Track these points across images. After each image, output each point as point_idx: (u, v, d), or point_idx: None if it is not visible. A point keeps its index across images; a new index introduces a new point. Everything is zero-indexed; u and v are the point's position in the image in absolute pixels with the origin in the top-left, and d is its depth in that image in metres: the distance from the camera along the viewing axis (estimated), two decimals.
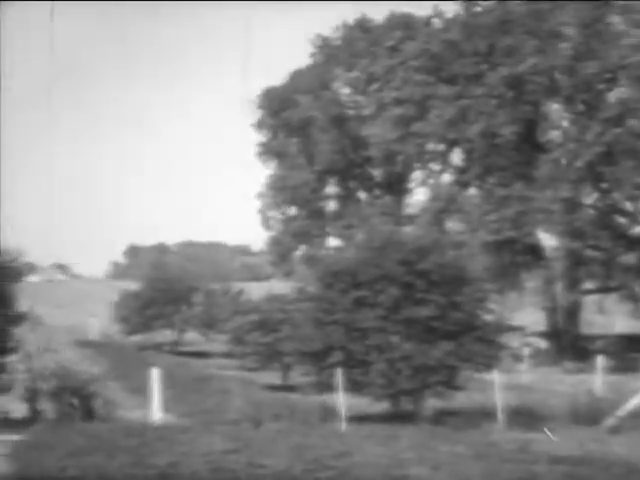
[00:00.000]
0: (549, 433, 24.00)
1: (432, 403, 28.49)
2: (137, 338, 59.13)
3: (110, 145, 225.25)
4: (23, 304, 29.28)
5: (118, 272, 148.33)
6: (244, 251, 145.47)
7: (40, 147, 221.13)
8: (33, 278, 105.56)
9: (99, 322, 61.18)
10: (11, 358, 28.28)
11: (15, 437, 22.24)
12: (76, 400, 26.68)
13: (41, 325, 37.27)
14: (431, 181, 60.49)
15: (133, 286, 62.66)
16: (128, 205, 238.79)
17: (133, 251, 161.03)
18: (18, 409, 27.14)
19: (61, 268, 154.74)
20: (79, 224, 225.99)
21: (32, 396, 26.98)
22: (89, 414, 26.49)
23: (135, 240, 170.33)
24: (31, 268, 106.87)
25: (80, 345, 45.48)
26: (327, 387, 27.79)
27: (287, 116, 63.59)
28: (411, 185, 63.13)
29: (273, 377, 41.74)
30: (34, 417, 26.33)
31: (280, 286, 51.09)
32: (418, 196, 61.66)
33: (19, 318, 28.54)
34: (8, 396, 27.77)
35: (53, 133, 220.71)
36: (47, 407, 26.69)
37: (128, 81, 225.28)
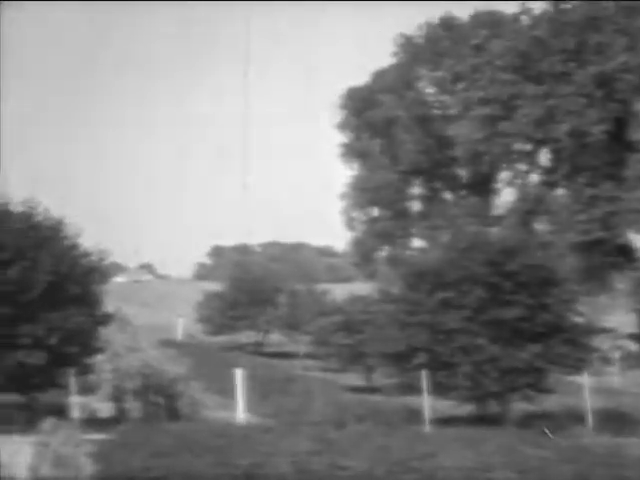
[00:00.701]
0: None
1: (519, 406, 28.04)
2: (221, 339, 59.38)
3: (196, 145, 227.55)
4: (110, 304, 29.62)
5: (203, 272, 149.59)
6: (327, 252, 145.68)
7: (128, 148, 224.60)
8: (120, 278, 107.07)
9: (184, 322, 61.65)
10: (98, 358, 28.63)
11: (101, 436, 22.48)
12: (161, 399, 26.89)
13: (127, 325, 37.63)
14: (518, 181, 59.58)
15: (217, 287, 62.96)
16: (214, 205, 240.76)
17: (217, 252, 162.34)
18: (105, 408, 27.44)
19: (147, 268, 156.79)
20: (166, 224, 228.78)
21: (118, 395, 27.26)
22: (174, 413, 26.67)
23: (220, 240, 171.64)
24: (118, 269, 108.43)
25: (165, 345, 45.73)
26: (411, 389, 27.56)
27: (370, 116, 63.27)
28: (497, 185, 62.26)
29: (356, 378, 41.55)
30: (120, 416, 26.59)
31: (363, 287, 50.85)
32: (505, 197, 60.80)
33: (106, 318, 28.88)
34: (95, 395, 28.12)
35: (139, 133, 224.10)
36: (133, 406, 26.92)
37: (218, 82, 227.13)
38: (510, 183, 60.78)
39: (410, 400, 27.89)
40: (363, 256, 64.96)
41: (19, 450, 21.54)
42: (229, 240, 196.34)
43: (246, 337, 59.71)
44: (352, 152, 65.37)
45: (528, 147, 58.34)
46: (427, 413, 26.05)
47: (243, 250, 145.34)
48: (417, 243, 63.65)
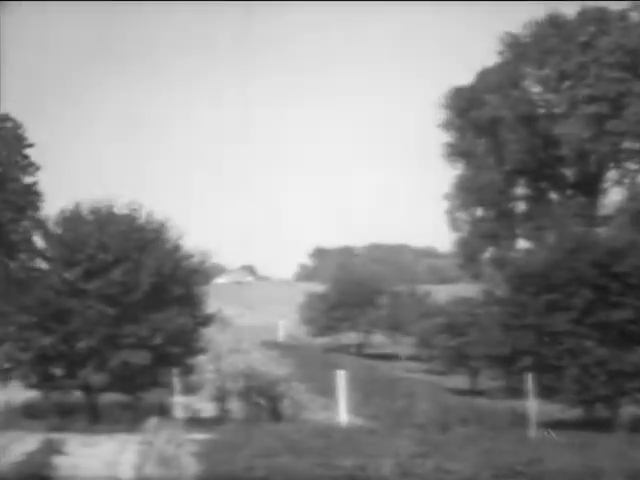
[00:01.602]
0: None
1: (629, 410, 27.25)
2: (323, 340, 59.48)
3: (297, 146, 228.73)
4: (212, 305, 29.76)
5: (304, 274, 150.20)
6: (430, 253, 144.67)
7: (230, 149, 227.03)
8: (222, 280, 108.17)
9: (286, 324, 61.91)
10: (201, 358, 28.82)
11: (204, 436, 22.60)
12: (263, 400, 26.91)
13: (229, 326, 37.89)
14: (627, 180, 58.13)
15: (319, 288, 63.08)
16: (316, 206, 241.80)
17: (319, 253, 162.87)
18: (207, 408, 27.59)
19: (249, 270, 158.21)
20: (268, 226, 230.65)
21: (221, 396, 27.37)
22: (276, 415, 26.67)
23: (322, 242, 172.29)
24: (220, 270, 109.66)
25: (267, 346, 45.96)
26: (516, 392, 27.02)
27: (475, 116, 62.48)
28: (605, 185, 60.82)
29: (460, 381, 41.02)
30: (223, 416, 26.69)
31: (467, 289, 50.23)
32: (613, 196, 59.33)
33: (208, 319, 29.02)
34: (198, 395, 28.31)
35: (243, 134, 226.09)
36: (235, 407, 27.01)
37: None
38: (618, 182, 59.27)
39: (516, 403, 27.32)
40: (467, 257, 64.10)
41: (124, 449, 21.84)
42: (331, 242, 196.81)
43: (348, 338, 59.63)
44: (456, 152, 64.61)
45: (637, 145, 56.84)
46: (533, 417, 25.46)
47: (345, 252, 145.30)
48: (522, 244, 62.56)
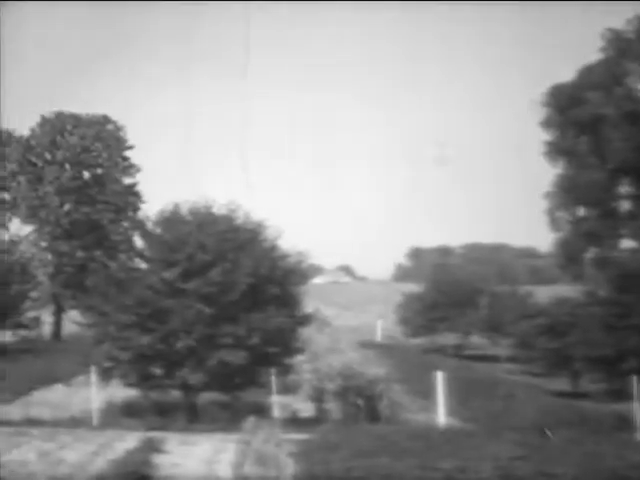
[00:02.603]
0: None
1: None
2: (420, 340, 59.12)
3: (393, 144, 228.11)
4: (309, 305, 29.75)
5: (401, 274, 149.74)
6: (530, 253, 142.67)
7: (326, 148, 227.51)
8: (319, 280, 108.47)
9: (383, 324, 61.74)
10: (298, 358, 28.83)
11: (302, 436, 22.56)
12: (361, 401, 26.74)
13: (327, 326, 37.94)
14: None
15: (416, 288, 62.75)
16: (414, 206, 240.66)
17: (416, 253, 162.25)
18: (305, 408, 27.56)
19: (346, 270, 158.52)
20: (365, 226, 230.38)
21: (319, 396, 27.31)
22: (374, 415, 26.47)
23: (420, 241, 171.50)
24: (317, 270, 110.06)
25: (364, 346, 45.99)
26: (621, 395, 26.31)
27: (576, 113, 61.32)
28: None
29: (561, 383, 40.21)
30: (320, 416, 26.61)
31: (568, 289, 49.30)
32: None
33: (305, 319, 29.01)
34: (295, 395, 28.32)
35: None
36: (333, 407, 26.92)
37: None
38: None
39: (620, 407, 26.61)
40: (568, 257, 62.86)
41: (222, 448, 21.95)
42: (428, 241, 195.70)
43: (446, 339, 59.13)
44: (557, 150, 63.41)
45: None
46: (639, 420, 24.76)
47: (443, 251, 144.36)
48: (626, 244, 61.15)
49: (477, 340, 59.04)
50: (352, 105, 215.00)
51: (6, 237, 73.13)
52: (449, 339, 59.04)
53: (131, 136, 76.22)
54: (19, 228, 74.19)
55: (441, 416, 25.80)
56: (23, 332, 60.21)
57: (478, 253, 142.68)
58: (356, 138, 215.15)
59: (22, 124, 74.34)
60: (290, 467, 18.61)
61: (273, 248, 28.61)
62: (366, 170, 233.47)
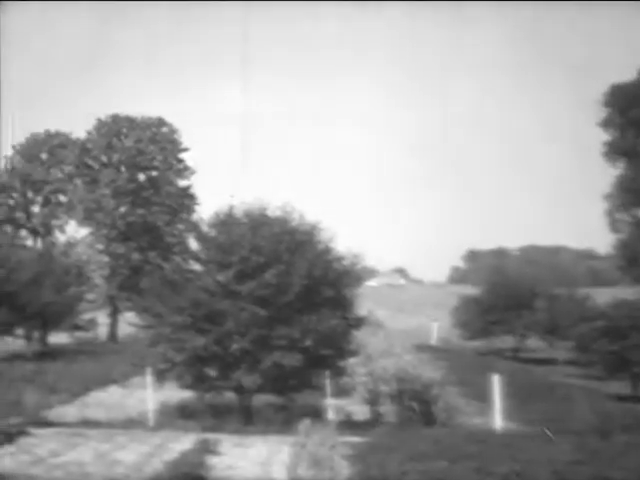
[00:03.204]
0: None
1: None
2: (476, 343, 58.73)
3: (446, 145, 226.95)
4: (363, 308, 29.60)
5: (457, 277, 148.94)
6: (589, 255, 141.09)
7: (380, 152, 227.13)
8: (373, 282, 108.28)
9: (438, 327, 61.42)
10: (352, 361, 28.69)
11: (357, 439, 22.43)
12: (416, 404, 26.54)
13: (381, 329, 37.76)
14: None
15: (472, 291, 62.34)
16: (470, 208, 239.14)
17: (472, 256, 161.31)
18: (360, 411, 27.43)
19: (401, 272, 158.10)
20: (421, 228, 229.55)
21: (373, 399, 27.16)
22: (429, 418, 26.25)
23: (476, 244, 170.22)
24: (372, 272, 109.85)
25: (419, 349, 45.73)
26: None
27: (636, 114, 60.55)
28: None
29: (621, 386, 39.62)
30: (375, 419, 26.47)
31: (628, 292, 48.65)
32: None
33: (359, 321, 28.88)
34: (350, 398, 28.20)
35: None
36: (388, 410, 26.75)
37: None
38: None
39: None
40: (629, 259, 62.14)
41: (277, 450, 21.90)
42: (485, 244, 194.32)
43: (502, 342, 58.66)
44: (617, 151, 62.74)
45: None
46: None
47: (500, 254, 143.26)
48: None
49: (534, 343, 58.47)
50: (407, 105, 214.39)
51: (63, 239, 74.07)
52: (506, 342, 58.57)
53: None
54: (76, 230, 75.12)
55: (498, 419, 25.49)
56: (79, 334, 60.86)
57: (535, 255, 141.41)
58: (411, 139, 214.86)
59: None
60: (345, 470, 18.51)
61: (327, 250, 28.49)
62: (422, 172, 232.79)
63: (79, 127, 77.10)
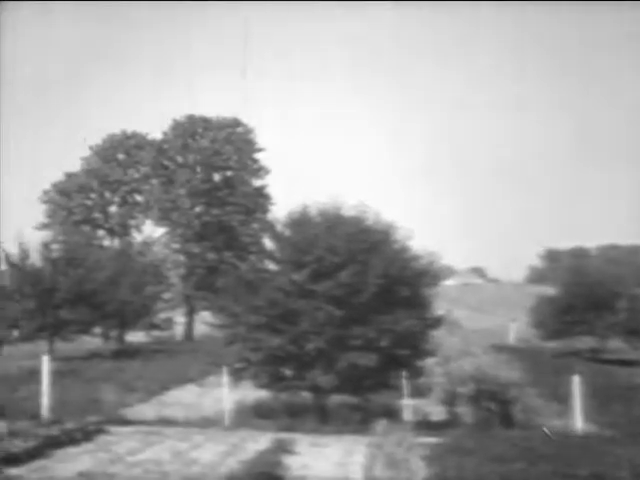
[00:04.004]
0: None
1: None
2: (554, 344, 57.85)
3: (525, 145, 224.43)
4: (440, 308, 29.33)
5: (535, 276, 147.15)
6: None
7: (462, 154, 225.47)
8: (450, 281, 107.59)
9: (516, 327, 60.72)
10: (429, 361, 28.45)
11: (434, 440, 22.21)
12: (494, 405, 26.18)
13: (458, 329, 37.37)
14: None
15: (550, 291, 61.43)
16: (549, 207, 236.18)
17: (550, 255, 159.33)
18: (437, 412, 27.19)
19: (478, 272, 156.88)
20: (499, 227, 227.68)
21: (450, 399, 26.87)
22: (507, 420, 25.87)
23: (554, 243, 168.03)
24: (449, 272, 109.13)
25: (497, 350, 45.21)
26: None
27: None
28: None
29: None
30: (452, 420, 26.19)
31: None
32: None
33: (436, 321, 28.61)
34: (427, 399, 27.96)
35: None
36: (465, 411, 26.45)
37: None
38: None
39: None
40: None
41: (353, 450, 21.80)
42: (564, 243, 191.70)
43: (581, 343, 57.66)
44: None
45: None
46: None
47: (578, 253, 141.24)
48: None
49: (615, 344, 57.38)
50: (485, 104, 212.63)
51: (140, 239, 74.99)
52: (585, 343, 57.57)
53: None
54: (152, 230, 76.04)
55: (577, 421, 25.04)
56: (156, 333, 61.52)
57: (615, 255, 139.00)
58: (489, 137, 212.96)
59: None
60: (422, 471, 18.32)
61: (404, 249, 28.27)
62: (500, 170, 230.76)
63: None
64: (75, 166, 78.67)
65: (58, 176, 78.24)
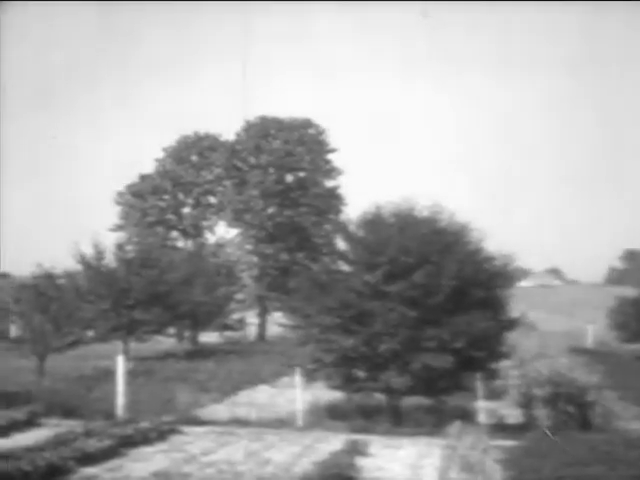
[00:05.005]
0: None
1: None
2: (635, 346, 56.81)
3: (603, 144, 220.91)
4: (516, 309, 28.91)
5: (615, 277, 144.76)
6: None
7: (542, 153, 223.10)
8: (526, 283, 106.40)
9: (595, 329, 59.75)
10: (505, 363, 28.05)
11: (510, 443, 21.88)
12: (572, 408, 25.71)
13: (534, 331, 36.83)
14: None
15: (630, 292, 60.37)
16: (627, 206, 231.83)
17: (630, 255, 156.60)
18: (513, 415, 26.81)
19: (555, 273, 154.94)
20: (577, 227, 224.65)
21: (526, 402, 26.46)
22: (585, 423, 25.37)
23: (635, 244, 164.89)
24: (524, 273, 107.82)
25: (575, 352, 44.57)
26: None
27: None
28: None
29: None
30: (528, 423, 25.78)
31: None
32: None
33: (512, 323, 28.23)
34: (502, 401, 27.58)
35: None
36: (542, 414, 26.01)
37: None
38: None
39: None
40: None
41: (427, 452, 21.56)
42: None
43: None
44: None
45: None
46: None
47: None
48: None
49: None
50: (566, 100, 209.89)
51: (213, 240, 75.55)
52: None
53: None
54: (225, 231, 76.53)
55: None
56: (229, 333, 61.86)
57: None
58: (569, 136, 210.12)
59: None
60: (497, 474, 18.03)
61: (478, 250, 27.93)
62: (578, 170, 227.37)
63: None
64: (149, 168, 79.59)
65: (132, 178, 79.21)
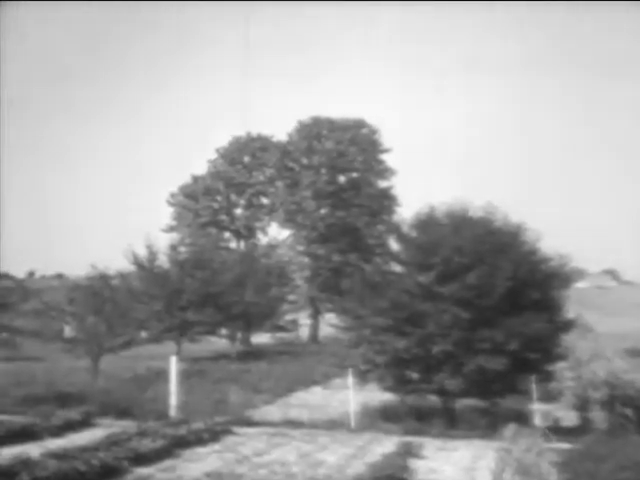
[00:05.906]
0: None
1: None
2: None
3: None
4: (571, 311, 28.55)
5: None
6: None
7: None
8: (581, 284, 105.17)
9: None
10: (560, 365, 27.70)
11: (565, 446, 21.61)
12: (629, 411, 25.32)
13: (590, 332, 36.27)
14: None
15: None
16: None
17: None
18: (568, 417, 26.47)
19: (611, 274, 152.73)
20: (632, 228, 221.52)
21: (582, 404, 26.13)
22: None
23: None
24: (580, 274, 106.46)
25: (632, 354, 43.89)
26: None
27: None
28: None
29: None
30: (584, 426, 25.44)
31: None
32: None
33: (567, 325, 27.86)
34: (557, 403, 27.26)
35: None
36: (598, 417, 25.64)
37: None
38: None
39: None
40: None
41: (481, 455, 21.35)
42: None
43: None
44: None
45: None
46: None
47: None
48: None
49: None
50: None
51: (265, 241, 75.69)
52: None
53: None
54: (277, 232, 76.64)
55: None
56: (281, 334, 61.88)
57: None
58: (625, 134, 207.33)
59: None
60: (553, 478, 17.78)
61: (533, 251, 27.60)
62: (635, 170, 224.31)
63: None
64: (202, 169, 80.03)
65: (185, 179, 79.70)
